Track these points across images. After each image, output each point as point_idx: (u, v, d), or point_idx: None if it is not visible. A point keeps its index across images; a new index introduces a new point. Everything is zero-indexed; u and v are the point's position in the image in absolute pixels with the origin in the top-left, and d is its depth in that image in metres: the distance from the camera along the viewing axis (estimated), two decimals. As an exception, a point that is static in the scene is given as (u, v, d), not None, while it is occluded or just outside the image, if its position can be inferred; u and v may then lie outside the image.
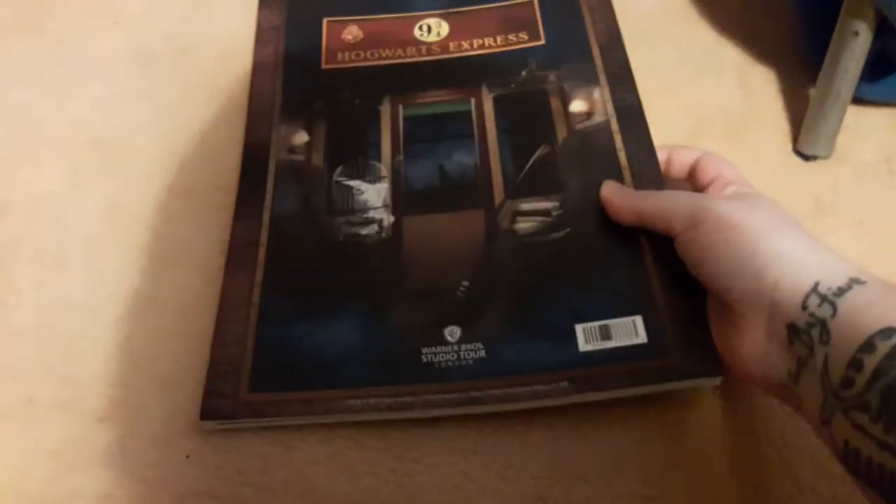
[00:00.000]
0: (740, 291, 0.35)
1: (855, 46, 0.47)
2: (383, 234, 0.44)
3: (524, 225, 0.44)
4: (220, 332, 0.41)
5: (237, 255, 0.43)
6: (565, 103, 0.49)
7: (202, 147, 0.51)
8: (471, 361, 0.39)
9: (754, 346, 0.35)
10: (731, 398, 0.41)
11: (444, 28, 0.53)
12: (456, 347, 0.40)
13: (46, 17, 0.59)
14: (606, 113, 0.48)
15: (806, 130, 0.51)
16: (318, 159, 0.47)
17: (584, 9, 0.53)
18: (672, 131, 0.51)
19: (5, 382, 0.41)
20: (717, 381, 0.38)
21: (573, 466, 0.38)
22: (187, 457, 0.39)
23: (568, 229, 0.43)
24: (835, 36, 0.47)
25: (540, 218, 0.44)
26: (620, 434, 0.39)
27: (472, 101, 0.49)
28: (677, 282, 0.40)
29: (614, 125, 0.47)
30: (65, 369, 0.42)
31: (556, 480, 0.38)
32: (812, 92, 0.51)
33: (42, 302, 0.45)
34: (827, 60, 0.48)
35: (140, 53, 0.57)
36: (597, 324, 0.40)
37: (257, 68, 0.52)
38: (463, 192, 0.46)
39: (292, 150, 0.48)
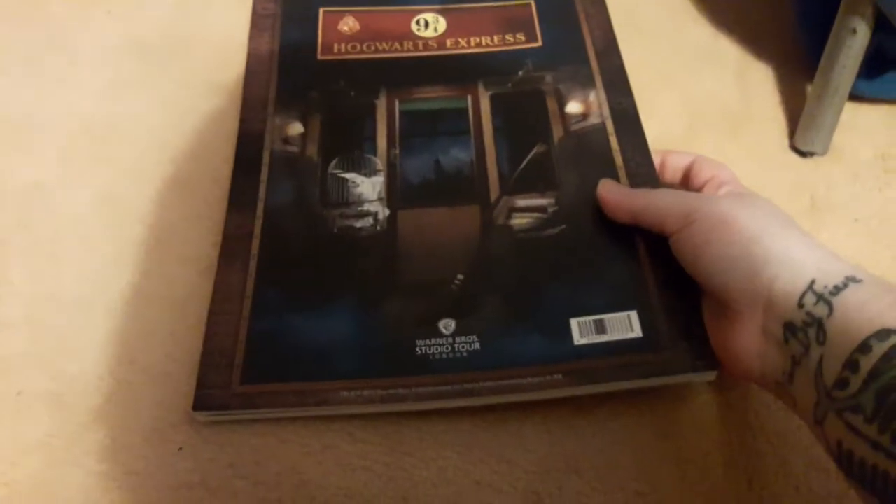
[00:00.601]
0: (736, 290, 0.35)
1: (853, 43, 0.47)
2: (378, 227, 0.44)
3: (520, 221, 0.44)
4: (213, 323, 0.40)
5: (230, 246, 0.43)
6: (561, 104, 0.49)
7: (196, 138, 0.51)
8: (465, 354, 0.39)
9: (750, 344, 0.35)
10: (726, 393, 0.41)
11: (442, 24, 0.53)
12: (450, 340, 0.39)
13: (39, 5, 0.59)
14: (602, 115, 0.48)
15: (803, 127, 0.51)
16: (312, 151, 0.47)
17: (581, 15, 0.54)
18: (669, 126, 0.52)
19: (-4, 374, 0.41)
20: (712, 376, 0.38)
21: (566, 461, 0.38)
22: (180, 449, 0.39)
23: (563, 226, 0.43)
24: (833, 32, 0.47)
25: (535, 214, 0.44)
26: (614, 428, 0.39)
27: (469, 98, 0.49)
28: (673, 278, 0.40)
29: (610, 127, 0.47)
30: (56, 361, 0.42)
31: (550, 474, 0.38)
32: (809, 88, 0.51)
33: (33, 294, 0.44)
34: (825, 57, 0.48)
35: (134, 43, 0.56)
36: (591, 318, 0.40)
37: (252, 57, 0.52)
38: (459, 187, 0.46)
39: (287, 141, 0.47)
